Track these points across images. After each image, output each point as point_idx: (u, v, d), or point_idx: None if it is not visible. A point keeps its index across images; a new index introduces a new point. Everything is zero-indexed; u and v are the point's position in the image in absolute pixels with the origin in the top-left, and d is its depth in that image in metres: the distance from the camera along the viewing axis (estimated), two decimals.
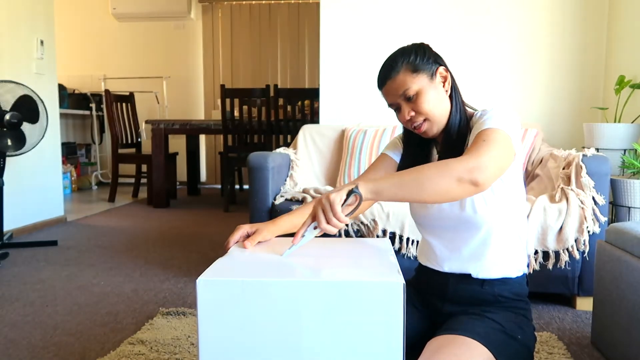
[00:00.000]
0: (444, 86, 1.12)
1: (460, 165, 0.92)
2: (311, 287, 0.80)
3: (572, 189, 1.97)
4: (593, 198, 1.95)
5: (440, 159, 1.16)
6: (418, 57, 1.11)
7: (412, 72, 1.09)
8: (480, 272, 1.12)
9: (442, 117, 1.11)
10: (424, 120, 1.11)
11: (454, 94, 1.14)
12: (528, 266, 1.91)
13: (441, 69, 1.12)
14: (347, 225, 2.12)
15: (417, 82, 1.09)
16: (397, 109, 1.13)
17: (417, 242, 2.03)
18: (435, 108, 1.10)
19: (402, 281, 0.79)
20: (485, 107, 1.20)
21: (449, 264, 1.14)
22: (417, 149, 1.21)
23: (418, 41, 1.16)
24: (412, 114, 1.10)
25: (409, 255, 2.04)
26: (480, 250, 1.11)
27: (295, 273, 0.86)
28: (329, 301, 0.80)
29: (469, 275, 1.13)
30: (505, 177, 1.09)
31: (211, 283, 0.81)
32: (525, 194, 1.43)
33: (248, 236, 1.10)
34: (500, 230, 1.11)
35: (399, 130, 2.62)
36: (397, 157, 1.24)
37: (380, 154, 1.29)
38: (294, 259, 0.94)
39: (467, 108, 1.16)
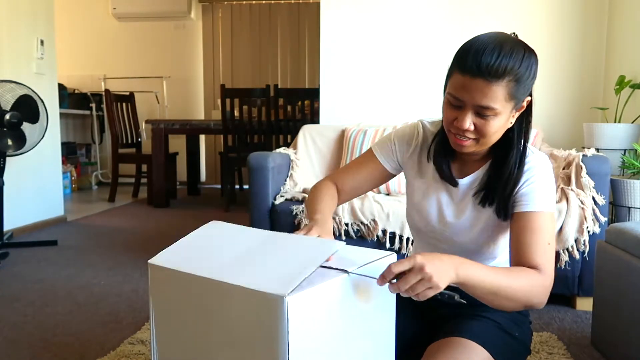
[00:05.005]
0: (514, 115, 0.98)
1: (542, 291, 0.95)
2: (207, 284, 0.81)
3: (572, 189, 1.98)
4: (593, 198, 1.95)
5: (476, 193, 1.07)
6: (527, 77, 0.93)
7: (509, 94, 0.92)
8: None
9: (490, 144, 1.00)
10: (475, 139, 0.98)
11: (520, 129, 1.01)
12: None
13: (528, 99, 0.99)
14: (346, 225, 2.12)
15: (504, 107, 0.93)
16: (458, 107, 0.96)
17: None
18: (495, 135, 0.97)
19: (285, 295, 0.71)
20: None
21: None
22: (442, 159, 1.10)
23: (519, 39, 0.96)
24: (472, 128, 0.95)
25: (408, 255, 2.04)
26: None
27: (215, 269, 0.84)
28: (220, 301, 0.80)
29: None
30: None
31: (155, 267, 0.90)
32: None
33: None
34: (507, 257, 1.13)
35: None
36: (386, 163, 1.18)
37: (369, 150, 1.21)
38: (238, 253, 0.89)
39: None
